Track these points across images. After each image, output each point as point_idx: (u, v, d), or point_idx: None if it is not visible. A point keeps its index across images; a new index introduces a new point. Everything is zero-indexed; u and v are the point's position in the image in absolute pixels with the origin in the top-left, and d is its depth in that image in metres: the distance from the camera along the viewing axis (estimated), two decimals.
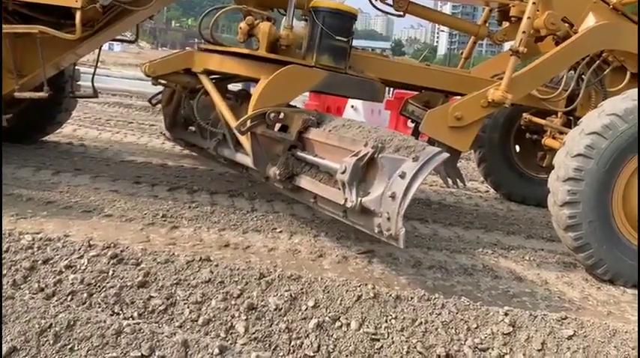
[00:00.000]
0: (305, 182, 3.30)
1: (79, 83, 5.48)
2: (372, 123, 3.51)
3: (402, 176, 2.64)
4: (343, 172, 2.82)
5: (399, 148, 2.78)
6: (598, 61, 4.22)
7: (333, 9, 3.69)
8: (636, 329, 2.61)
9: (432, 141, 4.05)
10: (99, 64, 5.20)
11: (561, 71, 4.32)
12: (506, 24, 4.53)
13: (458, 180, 4.48)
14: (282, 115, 3.42)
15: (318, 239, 3.72)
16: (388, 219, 2.65)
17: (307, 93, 8.50)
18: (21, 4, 3.98)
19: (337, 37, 3.67)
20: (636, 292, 3.48)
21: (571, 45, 3.93)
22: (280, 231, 3.77)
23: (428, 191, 5.68)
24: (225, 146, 4.08)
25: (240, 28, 3.65)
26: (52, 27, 4.01)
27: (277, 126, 3.50)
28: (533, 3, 3.75)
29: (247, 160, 3.71)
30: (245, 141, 3.53)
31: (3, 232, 2.79)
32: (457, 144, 3.88)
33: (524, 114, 5.26)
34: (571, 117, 4.68)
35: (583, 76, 4.34)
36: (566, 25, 4.14)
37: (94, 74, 5.09)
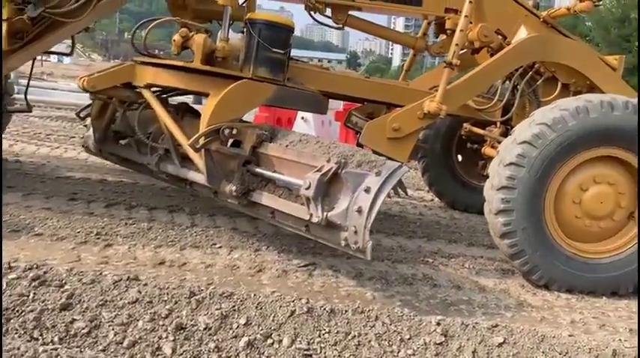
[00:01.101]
0: (263, 197, 3.28)
1: (13, 97, 5.27)
2: (321, 136, 3.54)
3: (367, 190, 2.72)
4: (308, 188, 2.84)
5: (361, 163, 2.85)
6: (531, 72, 4.34)
7: (268, 21, 3.67)
8: (564, 333, 2.67)
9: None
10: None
11: (495, 82, 4.43)
12: (443, 36, 4.62)
13: (400, 189, 4.52)
14: (235, 131, 3.38)
15: (259, 253, 3.67)
16: (355, 232, 2.71)
17: None
18: None
19: (274, 50, 3.66)
20: (569, 296, 3.57)
21: (503, 57, 4.03)
22: (220, 247, 3.70)
23: None
24: (167, 161, 4.00)
25: (174, 40, 3.59)
26: None
27: (229, 141, 3.46)
28: (466, 16, 3.84)
29: (197, 177, 3.66)
30: (198, 158, 3.47)
31: None
32: (396, 155, 3.89)
33: (465, 125, 5.37)
34: (509, 127, 4.79)
35: (518, 87, 4.46)
36: (500, 37, 4.25)
37: (27, 87, 4.91)
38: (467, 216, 5.59)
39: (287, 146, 3.25)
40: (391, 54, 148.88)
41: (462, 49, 4.16)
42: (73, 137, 7.58)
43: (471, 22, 4.04)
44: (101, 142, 4.61)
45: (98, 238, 3.58)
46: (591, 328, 3.09)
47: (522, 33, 4.27)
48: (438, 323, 2.60)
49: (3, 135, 6.45)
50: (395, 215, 5.26)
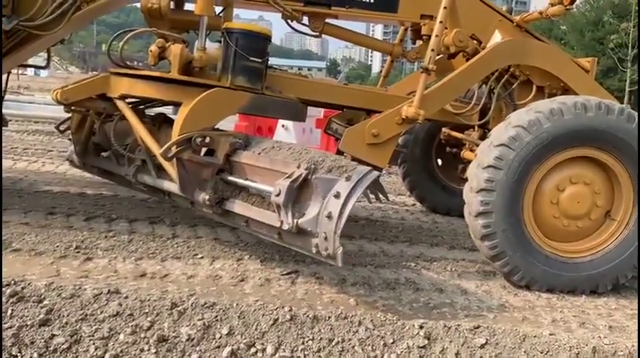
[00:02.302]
0: (236, 206, 3.26)
1: None
2: (302, 144, 3.52)
3: (337, 196, 2.69)
4: (278, 195, 2.83)
5: (331, 169, 2.84)
6: (506, 76, 4.41)
7: (245, 30, 3.68)
8: (545, 332, 2.70)
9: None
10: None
11: (471, 86, 4.49)
12: (419, 42, 4.67)
13: (381, 195, 4.54)
14: (208, 139, 3.37)
15: (241, 263, 3.66)
16: (325, 238, 2.69)
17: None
18: None
19: (251, 58, 3.66)
20: (550, 296, 3.61)
21: (478, 61, 4.09)
22: (202, 257, 3.68)
23: (355, 207, 5.70)
24: (145, 172, 3.97)
25: (151, 51, 3.58)
26: None
27: (203, 150, 3.44)
28: (441, 22, 3.89)
29: (172, 186, 3.63)
30: (170, 167, 3.44)
31: None
32: (375, 161, 3.93)
33: (444, 129, 5.42)
34: (486, 130, 4.84)
35: (494, 90, 4.52)
36: (475, 42, 4.32)
37: (1, 101, 4.83)
38: (448, 220, 5.63)
39: (259, 153, 3.24)
40: (371, 61, 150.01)
41: (438, 55, 4.22)
42: (51, 151, 7.49)
43: (446, 28, 4.09)
44: (82, 155, 4.57)
45: (78, 252, 3.54)
46: (572, 326, 3.13)
47: (497, 37, 4.34)
48: (421, 327, 2.61)
49: None
50: (377, 220, 5.28)
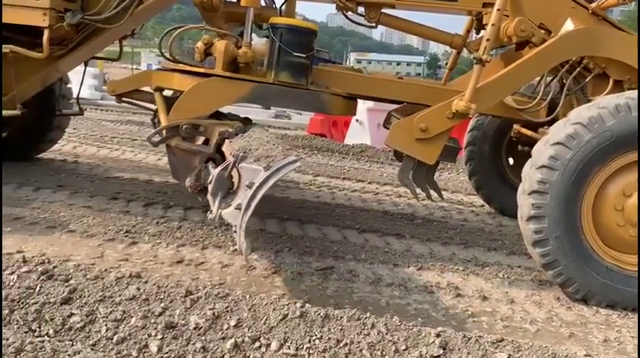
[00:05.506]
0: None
1: (70, 101, 5.57)
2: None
3: (250, 186, 2.59)
4: (210, 183, 2.79)
5: (260, 158, 2.74)
6: (579, 69, 4.02)
7: (290, 25, 3.65)
8: (580, 353, 2.41)
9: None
10: None
11: (532, 79, 4.13)
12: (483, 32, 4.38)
13: (436, 193, 4.32)
14: (202, 128, 3.40)
15: (279, 255, 3.64)
16: (235, 231, 2.60)
17: None
18: None
19: (295, 54, 3.62)
20: (610, 312, 3.26)
21: (541, 52, 3.74)
22: None
23: (416, 205, 5.52)
24: None
25: (197, 47, 3.65)
26: (27, 46, 4.11)
27: (200, 138, 3.48)
28: (498, 9, 3.60)
29: None
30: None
31: None
32: (423, 157, 3.75)
33: (515, 126, 5.07)
34: None
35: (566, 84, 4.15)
36: (543, 31, 3.97)
37: (79, 92, 5.18)
38: (516, 223, 5.21)
39: (231, 142, 3.20)
40: None
41: (502, 46, 3.94)
42: (135, 140, 7.92)
43: (507, 16, 3.80)
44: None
45: (126, 236, 3.70)
46: (626, 349, 2.81)
47: (569, 26, 3.97)
48: (438, 335, 2.44)
49: (68, 137, 6.88)
50: (435, 220, 5.05)
